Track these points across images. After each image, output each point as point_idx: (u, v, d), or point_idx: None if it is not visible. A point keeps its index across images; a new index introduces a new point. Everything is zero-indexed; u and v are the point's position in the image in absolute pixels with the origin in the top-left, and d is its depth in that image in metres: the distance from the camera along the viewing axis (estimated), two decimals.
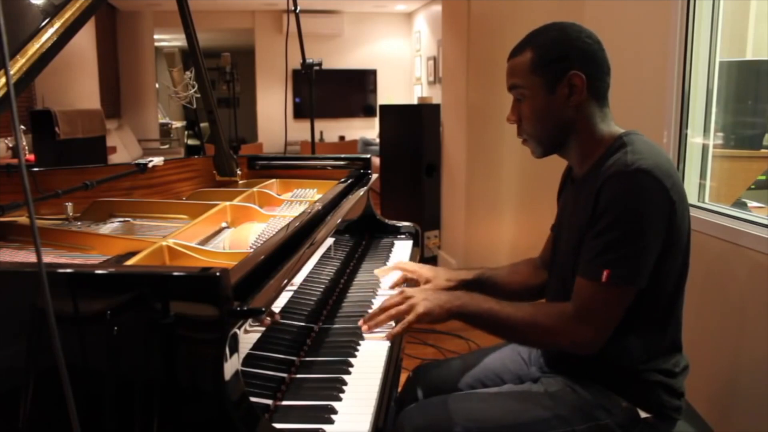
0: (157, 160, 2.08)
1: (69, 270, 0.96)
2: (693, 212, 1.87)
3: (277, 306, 1.20)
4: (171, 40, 10.65)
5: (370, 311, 1.39)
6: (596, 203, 1.20)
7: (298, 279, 1.35)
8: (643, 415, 1.26)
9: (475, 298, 1.31)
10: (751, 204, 1.97)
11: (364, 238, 2.13)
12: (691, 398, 1.38)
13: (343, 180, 2.07)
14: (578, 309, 1.21)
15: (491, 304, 1.28)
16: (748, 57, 2.25)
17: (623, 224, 1.16)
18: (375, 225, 2.20)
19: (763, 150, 2.15)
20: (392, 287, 1.64)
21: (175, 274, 0.91)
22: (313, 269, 1.49)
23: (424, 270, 1.59)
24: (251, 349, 1.06)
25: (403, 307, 1.30)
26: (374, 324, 1.33)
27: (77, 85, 6.56)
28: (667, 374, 1.27)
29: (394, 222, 2.22)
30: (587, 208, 1.23)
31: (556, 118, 1.29)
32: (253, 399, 0.98)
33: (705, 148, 1.97)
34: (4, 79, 1.09)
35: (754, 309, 1.64)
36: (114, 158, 5.41)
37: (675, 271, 1.25)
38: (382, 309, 1.34)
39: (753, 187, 2.14)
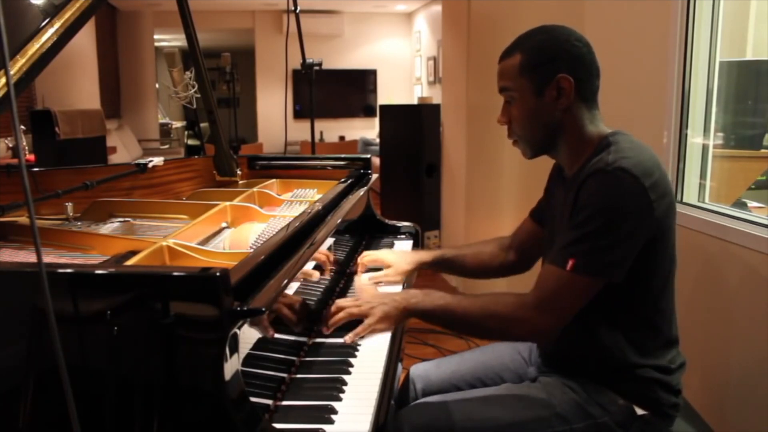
0: (157, 160, 2.07)
1: (69, 270, 0.96)
2: (693, 212, 1.87)
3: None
4: (171, 40, 10.65)
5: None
6: (576, 199, 1.22)
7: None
8: (639, 412, 1.27)
9: (431, 295, 1.32)
10: (751, 204, 1.97)
11: (364, 238, 2.12)
12: (689, 396, 1.38)
13: (343, 180, 2.07)
14: (538, 296, 1.22)
15: (447, 299, 1.30)
16: (748, 57, 2.25)
17: (597, 219, 1.18)
18: (375, 225, 2.20)
19: (763, 150, 2.15)
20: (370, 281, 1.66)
21: (175, 274, 0.91)
22: (313, 269, 1.49)
23: (386, 255, 1.67)
24: (251, 349, 1.06)
25: (362, 309, 1.33)
26: (333, 323, 1.34)
27: (77, 85, 6.56)
28: (662, 371, 1.28)
29: (394, 222, 2.22)
30: (571, 203, 1.25)
31: (544, 121, 1.30)
32: (253, 399, 0.98)
33: (705, 148, 1.97)
34: (4, 79, 1.09)
35: (753, 308, 1.64)
36: (114, 158, 5.40)
37: (661, 268, 1.26)
38: (340, 308, 1.35)
39: (753, 187, 2.14)
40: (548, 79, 1.27)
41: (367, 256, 1.71)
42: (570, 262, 1.18)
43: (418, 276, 1.80)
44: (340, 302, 1.37)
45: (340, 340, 1.36)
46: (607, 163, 1.19)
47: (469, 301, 1.29)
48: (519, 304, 1.24)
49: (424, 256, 1.68)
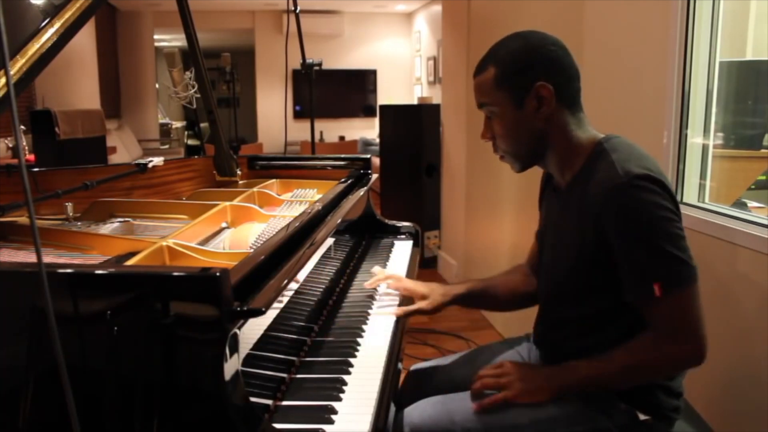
0: (157, 160, 2.08)
1: (69, 270, 0.96)
2: (692, 212, 1.87)
3: (277, 306, 1.20)
4: (171, 40, 10.65)
5: (371, 311, 1.37)
6: (600, 224, 1.17)
7: (300, 278, 1.35)
8: (641, 417, 1.26)
9: (569, 370, 1.26)
10: (751, 204, 1.97)
11: (364, 238, 2.13)
12: (690, 398, 1.38)
13: (343, 180, 2.07)
14: (659, 331, 1.17)
15: (586, 370, 1.24)
16: (748, 57, 2.25)
17: (644, 237, 1.14)
18: (375, 225, 2.20)
19: (763, 150, 2.15)
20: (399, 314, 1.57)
21: (175, 274, 0.91)
22: (313, 269, 1.49)
23: (419, 287, 1.56)
24: (251, 349, 1.06)
25: (501, 381, 1.28)
26: (480, 386, 1.30)
27: (77, 85, 6.56)
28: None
29: (394, 222, 2.22)
30: (584, 224, 1.21)
31: (528, 132, 1.26)
32: (253, 399, 0.98)
33: (705, 148, 1.97)
34: (4, 79, 1.09)
35: (754, 309, 1.64)
36: (114, 158, 5.41)
37: None
38: (481, 376, 1.32)
39: (753, 187, 2.14)
40: (526, 89, 1.23)
41: (394, 282, 1.60)
42: (656, 288, 1.13)
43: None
44: (482, 373, 1.32)
45: (340, 340, 1.36)
46: (618, 176, 1.15)
47: (607, 363, 1.22)
48: (652, 346, 1.18)
49: (457, 289, 1.56)
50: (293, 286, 1.32)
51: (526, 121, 1.25)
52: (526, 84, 1.23)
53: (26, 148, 3.95)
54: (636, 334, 1.25)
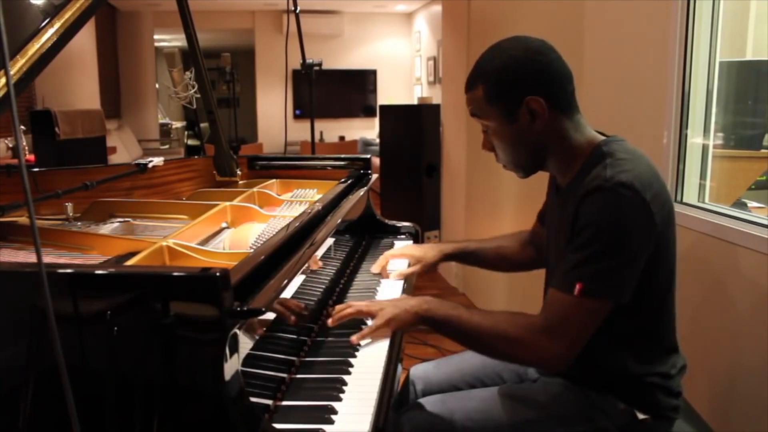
0: (157, 161, 2.07)
1: (69, 270, 0.96)
2: (692, 212, 1.87)
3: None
4: (171, 40, 10.65)
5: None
6: (576, 218, 1.18)
7: (300, 278, 1.35)
8: (640, 416, 1.26)
9: (444, 304, 1.28)
10: (751, 204, 1.97)
11: (364, 239, 2.13)
12: (690, 398, 1.38)
13: (343, 180, 2.07)
14: (548, 321, 1.17)
15: (460, 311, 1.25)
16: (748, 57, 2.25)
17: (602, 239, 1.13)
18: (375, 225, 2.20)
19: (763, 150, 2.15)
20: (399, 277, 1.71)
21: (175, 274, 0.91)
22: (313, 269, 1.49)
23: (413, 250, 1.70)
24: (251, 349, 1.06)
25: (371, 309, 1.31)
26: (338, 318, 1.32)
27: (77, 85, 6.56)
28: (664, 377, 1.27)
29: (394, 222, 2.22)
30: (569, 221, 1.21)
31: (526, 144, 1.27)
32: (253, 399, 0.98)
33: (705, 148, 1.97)
34: (4, 79, 1.09)
35: (754, 309, 1.64)
36: (114, 158, 5.40)
37: (663, 278, 1.24)
38: (350, 305, 1.35)
39: (753, 187, 2.14)
40: (517, 104, 1.22)
41: (392, 255, 1.75)
42: (577, 287, 1.13)
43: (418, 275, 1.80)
44: (353, 303, 1.35)
45: (340, 340, 1.36)
46: (605, 179, 1.14)
47: (482, 316, 1.24)
48: (529, 327, 1.18)
49: (448, 247, 1.70)
50: (294, 284, 1.32)
51: (521, 134, 1.25)
52: (515, 99, 1.22)
53: (26, 148, 3.94)
54: (633, 335, 1.25)
